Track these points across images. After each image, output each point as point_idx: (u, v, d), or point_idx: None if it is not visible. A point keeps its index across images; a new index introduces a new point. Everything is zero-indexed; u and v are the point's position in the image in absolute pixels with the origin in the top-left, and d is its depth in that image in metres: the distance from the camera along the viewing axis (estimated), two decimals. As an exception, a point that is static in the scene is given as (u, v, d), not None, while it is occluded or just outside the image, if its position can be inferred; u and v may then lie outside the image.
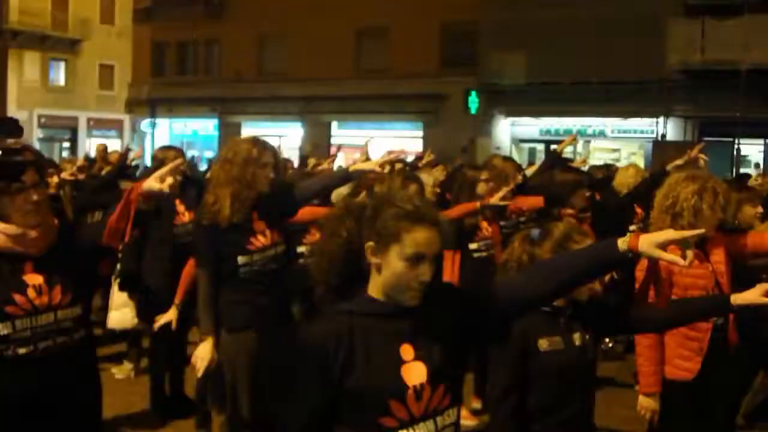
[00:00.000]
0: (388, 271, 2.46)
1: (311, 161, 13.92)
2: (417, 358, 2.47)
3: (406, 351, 2.48)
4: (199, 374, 4.75)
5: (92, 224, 3.62)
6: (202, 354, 4.67)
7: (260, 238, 4.68)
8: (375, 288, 2.52)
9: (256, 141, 4.79)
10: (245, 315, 4.63)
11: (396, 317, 2.49)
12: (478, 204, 6.52)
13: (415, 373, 2.46)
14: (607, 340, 8.82)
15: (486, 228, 6.77)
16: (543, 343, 3.35)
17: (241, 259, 4.64)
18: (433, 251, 2.47)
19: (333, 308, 2.52)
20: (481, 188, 6.73)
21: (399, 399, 2.42)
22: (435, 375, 2.48)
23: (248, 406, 4.72)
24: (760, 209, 5.97)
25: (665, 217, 4.46)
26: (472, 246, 6.69)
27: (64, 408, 3.33)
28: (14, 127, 11.46)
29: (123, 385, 7.61)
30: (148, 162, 26.28)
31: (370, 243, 2.47)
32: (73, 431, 3.41)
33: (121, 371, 7.91)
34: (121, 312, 7.06)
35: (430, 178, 7.55)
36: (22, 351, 3.21)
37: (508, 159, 9.59)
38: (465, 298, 2.67)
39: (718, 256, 4.53)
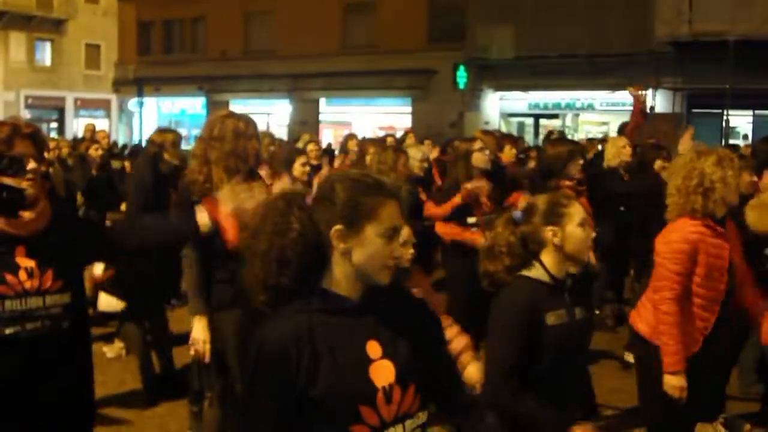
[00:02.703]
0: (363, 253, 2.24)
1: (305, 137, 13.90)
2: (385, 355, 2.27)
3: (373, 348, 2.27)
4: (206, 359, 4.65)
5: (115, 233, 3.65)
6: (199, 336, 4.63)
7: None
8: (339, 278, 2.29)
9: (238, 115, 4.77)
10: (232, 293, 4.58)
11: (361, 312, 2.29)
12: (458, 198, 6.55)
13: (383, 372, 2.26)
14: (597, 311, 8.88)
15: (486, 203, 6.71)
16: (550, 318, 3.31)
17: None
18: (402, 224, 2.30)
19: (289, 307, 2.28)
20: (476, 159, 6.69)
21: (369, 403, 2.22)
22: (403, 373, 2.29)
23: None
24: (754, 177, 6.15)
25: (695, 198, 4.28)
26: (471, 220, 6.66)
27: (53, 388, 3.31)
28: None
29: (114, 364, 7.63)
30: (135, 140, 26.10)
31: (338, 227, 2.24)
32: (64, 411, 3.39)
33: (112, 350, 7.91)
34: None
35: (418, 153, 7.50)
36: (9, 331, 3.19)
37: (488, 133, 9.60)
38: (428, 322, 2.52)
39: (731, 232, 4.51)
